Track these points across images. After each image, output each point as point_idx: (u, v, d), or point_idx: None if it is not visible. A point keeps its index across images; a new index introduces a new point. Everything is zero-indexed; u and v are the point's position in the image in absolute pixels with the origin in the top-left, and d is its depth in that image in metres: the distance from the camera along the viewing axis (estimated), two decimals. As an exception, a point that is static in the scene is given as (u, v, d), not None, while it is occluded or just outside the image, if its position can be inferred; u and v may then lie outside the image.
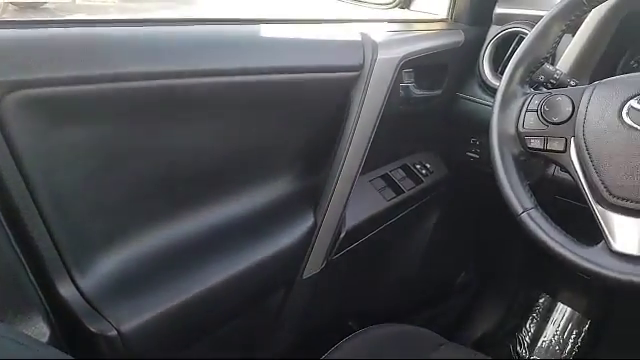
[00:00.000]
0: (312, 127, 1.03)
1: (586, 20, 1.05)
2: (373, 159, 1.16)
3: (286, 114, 0.97)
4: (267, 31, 0.89)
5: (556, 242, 0.79)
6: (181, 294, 0.84)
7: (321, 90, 0.98)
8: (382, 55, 1.01)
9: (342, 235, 1.15)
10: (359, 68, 0.98)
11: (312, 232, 1.06)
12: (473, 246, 1.77)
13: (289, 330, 1.19)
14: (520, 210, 0.83)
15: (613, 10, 1.02)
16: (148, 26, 0.76)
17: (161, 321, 0.81)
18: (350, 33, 1.01)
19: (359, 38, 1.00)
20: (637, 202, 0.74)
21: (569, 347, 1.69)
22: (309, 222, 1.05)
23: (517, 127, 0.87)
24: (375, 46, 1.00)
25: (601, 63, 1.08)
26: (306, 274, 1.11)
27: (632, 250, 0.74)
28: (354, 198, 1.13)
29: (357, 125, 1.02)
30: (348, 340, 0.97)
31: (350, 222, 1.17)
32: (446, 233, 1.57)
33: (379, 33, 1.06)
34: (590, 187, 0.79)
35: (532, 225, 0.82)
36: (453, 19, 1.30)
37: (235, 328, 1.03)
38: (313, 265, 1.11)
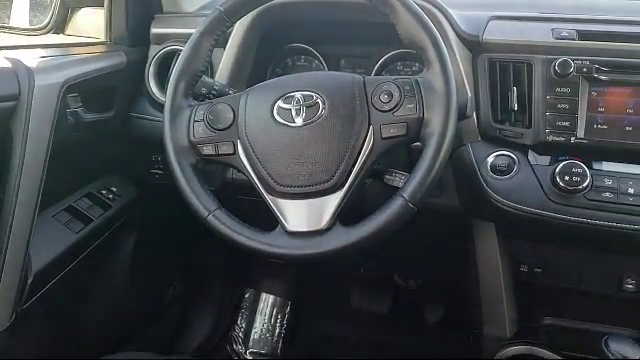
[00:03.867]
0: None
1: (233, 34, 1.17)
2: (53, 192, 1.09)
3: None
4: None
5: (240, 234, 0.88)
6: None
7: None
8: (41, 81, 0.96)
9: (30, 280, 1.05)
10: (15, 98, 0.91)
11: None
12: (177, 258, 1.80)
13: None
14: (205, 213, 0.89)
15: (253, 24, 1.17)
16: None
17: None
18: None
19: (10, 65, 0.93)
20: (298, 187, 0.87)
21: (277, 330, 1.88)
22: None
23: (189, 137, 0.93)
24: (31, 73, 0.94)
25: (254, 71, 1.23)
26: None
27: (302, 227, 0.87)
28: (38, 237, 1.04)
29: (24, 159, 0.94)
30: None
31: (37, 264, 1.07)
32: (148, 252, 1.56)
33: (34, 59, 1.00)
34: (260, 181, 0.89)
35: (218, 224, 0.89)
36: (113, 41, 1.30)
37: None
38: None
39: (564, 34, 1.02)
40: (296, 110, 0.89)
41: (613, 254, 1.14)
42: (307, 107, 0.88)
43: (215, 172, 1.21)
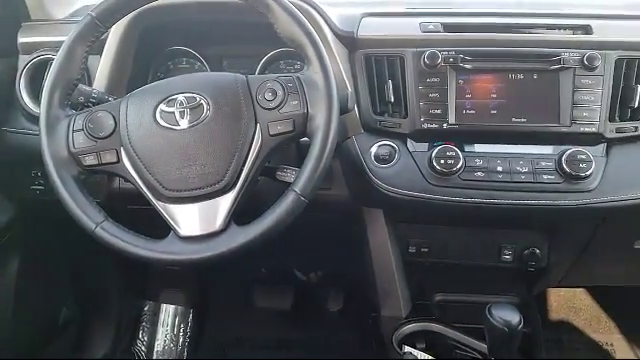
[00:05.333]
0: None
1: (108, 39, 1.13)
2: None
3: None
4: None
5: (130, 244, 0.86)
6: None
7: None
8: None
9: None
10: None
11: None
12: (69, 277, 1.70)
13: None
14: (92, 226, 0.86)
15: (129, 28, 1.14)
16: None
17: None
18: None
19: None
20: (188, 190, 0.86)
21: (181, 340, 1.84)
22: None
23: (69, 148, 0.89)
24: None
25: (134, 76, 1.19)
26: None
27: (195, 231, 0.86)
28: None
29: None
30: None
31: None
32: (34, 274, 1.47)
33: None
34: (148, 187, 0.88)
35: (107, 236, 0.86)
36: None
37: None
38: None
39: (430, 27, 1.09)
40: (180, 113, 0.88)
41: (490, 229, 1.24)
42: (191, 109, 0.88)
43: (100, 183, 1.16)
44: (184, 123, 0.87)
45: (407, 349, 1.21)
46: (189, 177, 0.86)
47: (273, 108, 0.88)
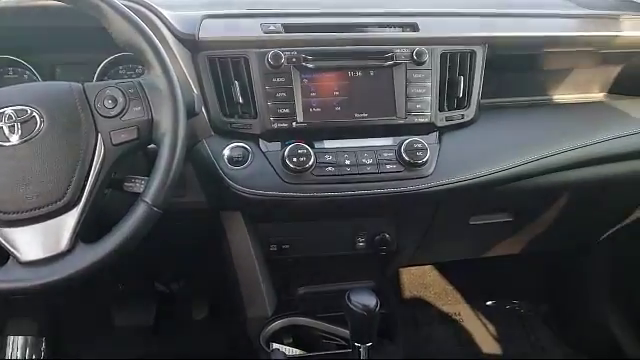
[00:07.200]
0: None
1: None
2: None
3: None
4: None
5: None
6: None
7: None
8: None
9: None
10: None
11: None
12: None
13: None
14: None
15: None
16: None
17: None
18: None
19: None
20: (26, 211, 0.79)
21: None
22: None
23: None
24: None
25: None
26: None
27: (38, 254, 0.80)
28: None
29: None
30: None
31: None
32: None
33: None
34: (-21, 211, 0.79)
35: None
36: None
37: None
38: None
39: (272, 28, 1.11)
40: (9, 128, 0.80)
41: (344, 220, 1.30)
42: (22, 123, 0.81)
43: None
44: (15, 139, 0.80)
45: (275, 346, 1.22)
46: (26, 197, 0.79)
47: (114, 116, 0.84)
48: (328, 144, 1.12)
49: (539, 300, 2.07)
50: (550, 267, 2.00)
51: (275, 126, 1.07)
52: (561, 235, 1.59)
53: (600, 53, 1.29)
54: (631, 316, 1.75)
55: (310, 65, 1.09)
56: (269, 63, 1.06)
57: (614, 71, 1.36)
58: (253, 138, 1.09)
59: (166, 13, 1.08)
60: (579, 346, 1.90)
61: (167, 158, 0.83)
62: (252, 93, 1.07)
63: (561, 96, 1.35)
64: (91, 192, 0.82)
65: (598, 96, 1.40)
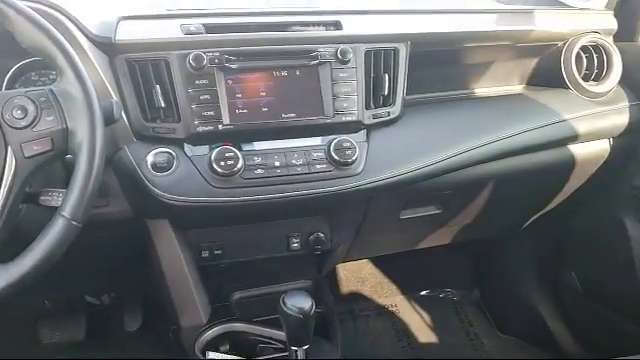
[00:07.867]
0: None
1: None
2: None
3: None
4: None
5: None
6: None
7: None
8: None
9: None
10: None
11: None
12: None
13: None
14: None
15: None
16: None
17: None
18: None
19: None
20: None
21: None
22: None
23: None
24: None
25: None
26: None
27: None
28: None
29: None
30: None
31: None
32: None
33: None
34: None
35: None
36: None
37: None
38: None
39: (192, 29, 1.07)
40: None
41: (277, 221, 1.29)
42: None
43: None
44: None
45: (211, 355, 1.19)
46: None
47: (25, 127, 0.79)
48: (257, 146, 1.10)
49: (472, 287, 2.14)
50: (479, 255, 2.07)
51: (200, 129, 1.04)
52: (488, 224, 1.65)
53: (517, 47, 1.34)
54: (557, 298, 1.84)
55: (234, 66, 1.06)
56: (191, 65, 1.03)
57: (531, 64, 1.42)
58: (178, 143, 1.05)
59: (78, 15, 1.02)
60: (511, 329, 1.98)
61: (85, 169, 0.79)
62: (174, 96, 1.03)
63: (483, 89, 1.40)
64: (3, 208, 0.78)
65: (517, 88, 1.45)
